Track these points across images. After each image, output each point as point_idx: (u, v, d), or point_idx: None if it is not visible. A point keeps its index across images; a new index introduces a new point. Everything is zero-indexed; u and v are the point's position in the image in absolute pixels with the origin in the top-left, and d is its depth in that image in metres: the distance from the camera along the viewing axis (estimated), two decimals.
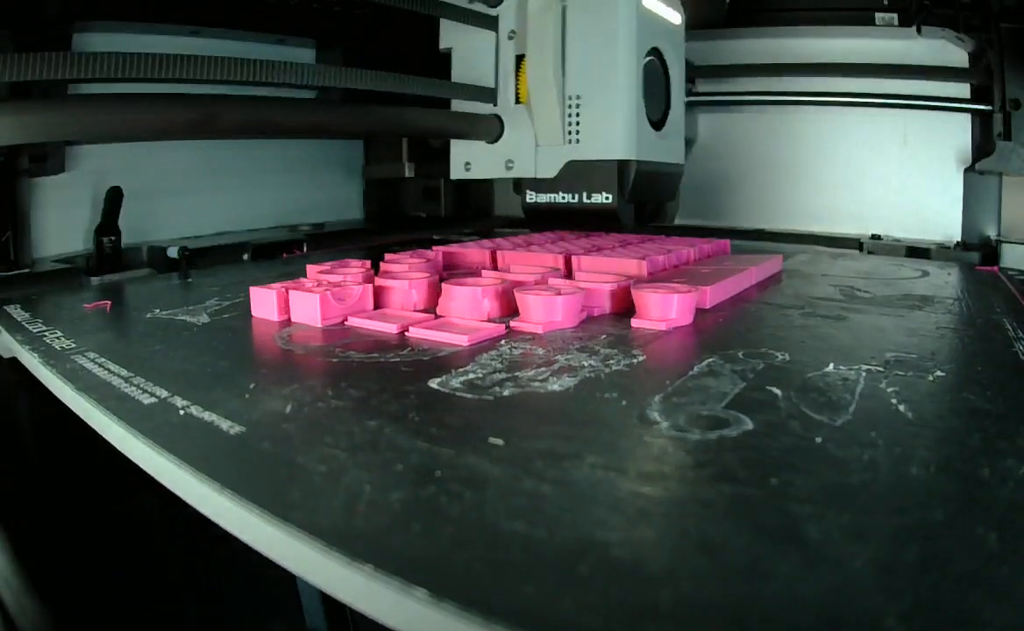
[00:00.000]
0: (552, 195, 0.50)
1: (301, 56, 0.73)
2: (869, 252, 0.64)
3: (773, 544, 0.13)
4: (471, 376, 0.23)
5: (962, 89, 0.65)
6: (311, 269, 0.39)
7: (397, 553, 0.13)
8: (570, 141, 0.49)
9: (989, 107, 0.61)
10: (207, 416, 0.20)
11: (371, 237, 0.71)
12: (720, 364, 0.25)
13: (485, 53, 0.51)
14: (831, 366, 0.24)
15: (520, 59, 0.50)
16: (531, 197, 0.51)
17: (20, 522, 0.29)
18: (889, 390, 0.22)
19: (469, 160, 0.54)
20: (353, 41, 0.72)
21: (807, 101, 0.72)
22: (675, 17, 0.54)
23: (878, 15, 0.67)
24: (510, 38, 0.51)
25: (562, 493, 0.15)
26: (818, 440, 0.18)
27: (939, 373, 0.24)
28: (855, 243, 0.66)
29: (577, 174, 0.49)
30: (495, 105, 0.52)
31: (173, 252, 0.54)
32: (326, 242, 0.65)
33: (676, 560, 0.13)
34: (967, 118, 0.65)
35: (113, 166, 0.56)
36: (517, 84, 0.51)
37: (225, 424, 0.20)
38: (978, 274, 0.52)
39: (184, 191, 0.64)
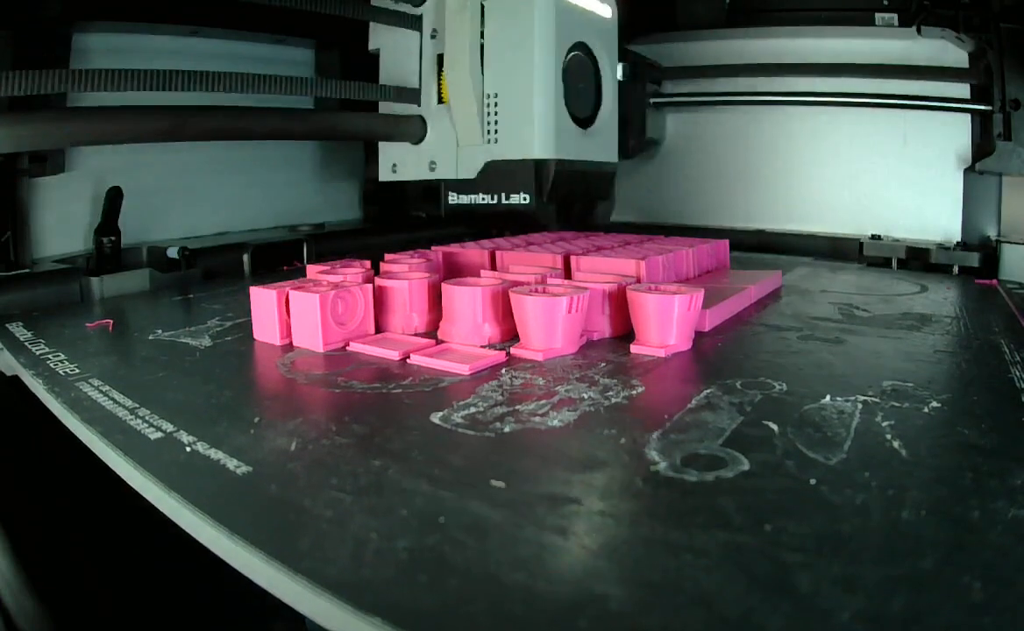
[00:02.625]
0: (472, 196, 0.50)
1: (300, 57, 0.73)
2: (868, 263, 0.65)
3: (765, 595, 0.14)
4: (472, 410, 0.24)
5: (962, 89, 0.65)
6: (311, 269, 0.39)
7: (405, 606, 0.14)
8: (489, 141, 0.49)
9: (989, 107, 0.61)
10: (214, 454, 0.21)
11: (371, 237, 0.71)
12: (718, 396, 0.25)
13: (410, 53, 0.52)
14: (828, 398, 0.25)
15: (442, 58, 0.50)
16: (452, 198, 0.51)
17: (20, 522, 0.29)
18: (884, 425, 0.22)
19: (396, 162, 0.54)
20: (353, 42, 0.72)
21: (807, 101, 0.71)
22: (605, 10, 0.53)
23: (878, 15, 0.68)
24: (432, 37, 0.50)
25: (562, 542, 0.16)
26: (812, 481, 0.18)
27: (935, 404, 0.25)
28: (855, 243, 0.66)
29: (496, 175, 0.49)
30: (419, 105, 0.52)
31: (173, 252, 0.54)
32: (326, 242, 0.64)
33: (672, 613, 0.13)
34: (967, 118, 0.65)
35: (113, 166, 0.56)
36: (439, 84, 0.51)
37: (232, 463, 0.20)
38: (977, 288, 0.52)
39: (184, 191, 0.64)
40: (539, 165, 0.47)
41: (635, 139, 0.74)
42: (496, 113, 0.48)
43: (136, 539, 0.34)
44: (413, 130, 0.51)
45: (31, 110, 0.42)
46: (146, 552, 0.34)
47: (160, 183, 0.61)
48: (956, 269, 0.60)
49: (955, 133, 0.65)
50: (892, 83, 0.67)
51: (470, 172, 0.50)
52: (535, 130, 0.47)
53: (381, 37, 0.53)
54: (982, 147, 0.63)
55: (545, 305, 0.30)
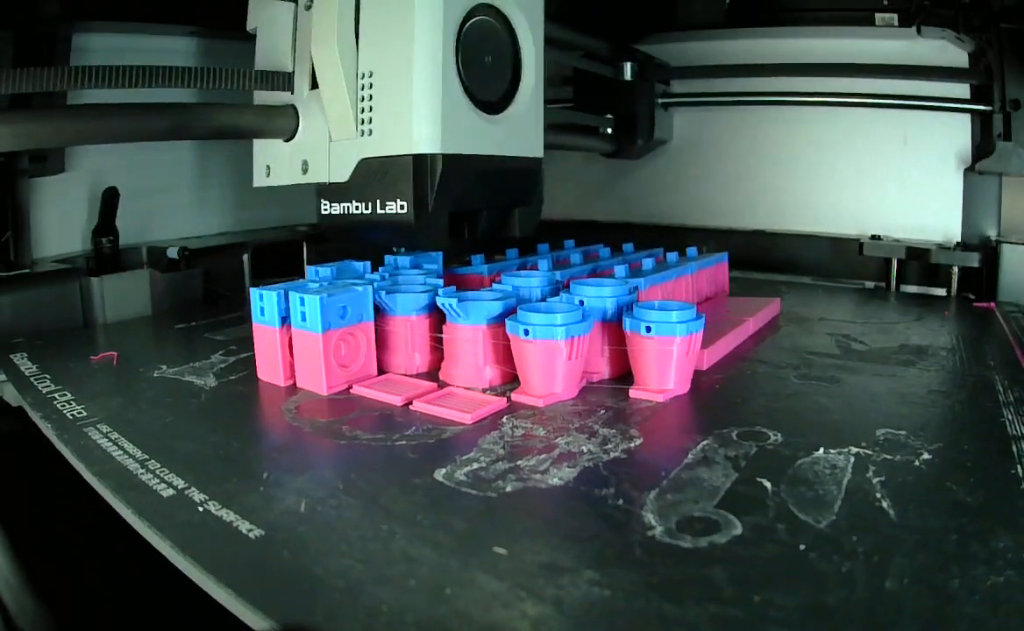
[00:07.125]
0: (345, 204, 0.40)
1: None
2: (871, 286, 0.65)
3: None
4: (475, 465, 0.25)
5: (962, 89, 0.65)
6: (311, 270, 0.39)
7: None
8: (363, 133, 0.39)
9: (989, 107, 0.62)
10: (226, 515, 0.21)
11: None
12: (714, 449, 0.26)
13: (285, 31, 0.42)
14: (821, 450, 0.25)
15: None
16: (325, 207, 0.41)
17: (20, 522, 0.30)
18: (875, 481, 0.23)
19: (269, 162, 0.44)
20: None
21: (807, 101, 0.71)
22: None
23: (878, 15, 0.67)
24: (308, 8, 0.40)
25: (560, 616, 0.17)
26: (802, 547, 0.19)
27: (926, 456, 0.25)
28: (855, 244, 0.66)
29: (370, 176, 0.39)
30: (292, 93, 0.42)
31: (173, 252, 0.54)
32: (326, 243, 0.64)
33: None
34: (967, 118, 0.65)
35: (112, 166, 0.56)
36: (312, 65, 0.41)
37: (244, 525, 0.21)
38: (974, 313, 0.53)
39: (184, 191, 0.64)
40: (419, 162, 0.37)
41: (643, 139, 0.73)
42: (371, 97, 0.38)
43: (137, 539, 0.34)
44: (283, 124, 0.41)
45: (31, 109, 0.41)
46: (146, 552, 0.34)
47: (160, 183, 0.61)
48: (956, 271, 0.61)
49: (955, 133, 0.65)
50: (892, 83, 0.67)
51: (342, 174, 0.39)
52: (413, 116, 0.37)
53: (259, 14, 0.44)
54: (982, 147, 0.63)
55: (545, 352, 0.31)
